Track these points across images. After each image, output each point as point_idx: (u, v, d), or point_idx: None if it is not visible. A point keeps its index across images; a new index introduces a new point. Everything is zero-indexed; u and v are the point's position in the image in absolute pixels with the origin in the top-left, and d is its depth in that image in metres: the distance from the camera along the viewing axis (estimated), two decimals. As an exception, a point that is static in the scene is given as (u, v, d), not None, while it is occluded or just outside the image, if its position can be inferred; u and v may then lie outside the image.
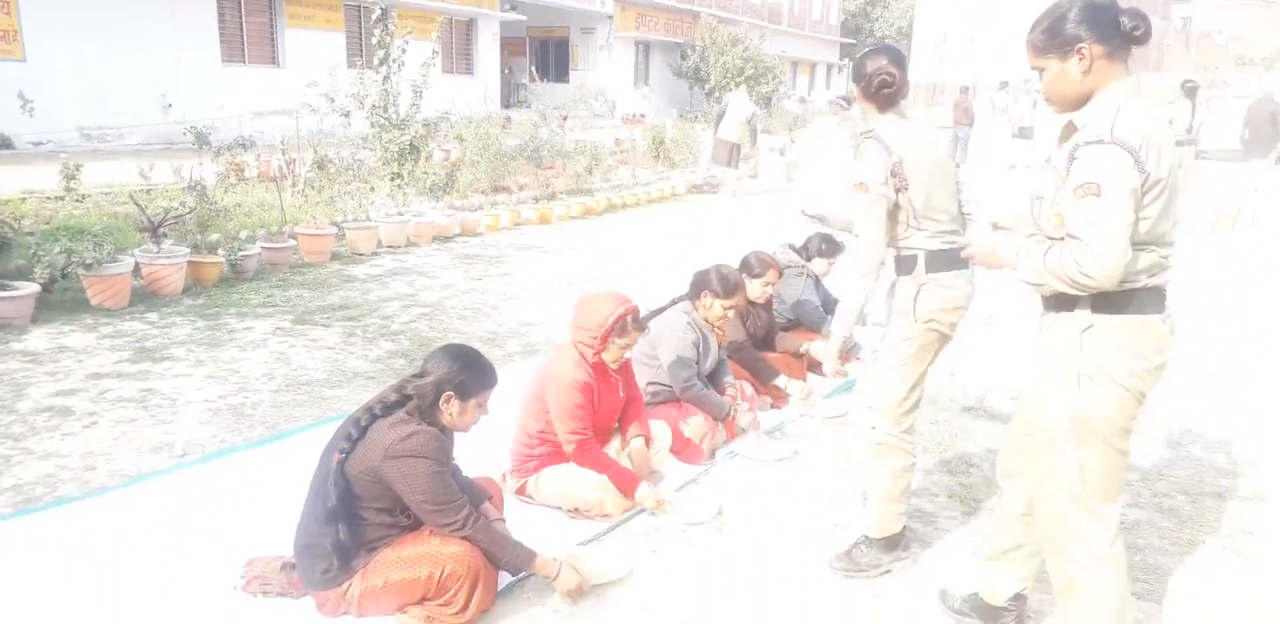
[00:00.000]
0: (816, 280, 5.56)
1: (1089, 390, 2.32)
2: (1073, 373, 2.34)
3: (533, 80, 15.65)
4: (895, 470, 3.14)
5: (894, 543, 3.21)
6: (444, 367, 2.80)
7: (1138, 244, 2.23)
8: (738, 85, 15.41)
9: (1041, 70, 2.39)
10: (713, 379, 4.41)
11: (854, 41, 50.29)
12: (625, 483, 3.53)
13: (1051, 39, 2.33)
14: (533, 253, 9.17)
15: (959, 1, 48.59)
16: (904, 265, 3.07)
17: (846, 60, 51.77)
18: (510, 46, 29.56)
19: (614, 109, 24.21)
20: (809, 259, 5.53)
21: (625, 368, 3.82)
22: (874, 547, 3.21)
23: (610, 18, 30.79)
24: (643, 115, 28.24)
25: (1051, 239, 2.33)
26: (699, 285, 4.34)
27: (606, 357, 3.63)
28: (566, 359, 3.61)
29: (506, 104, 25.83)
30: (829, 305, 5.60)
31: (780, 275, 4.97)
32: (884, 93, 3.07)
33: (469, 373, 2.82)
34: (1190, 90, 13.34)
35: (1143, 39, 2.29)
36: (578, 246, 9.65)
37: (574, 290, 7.44)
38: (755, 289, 4.80)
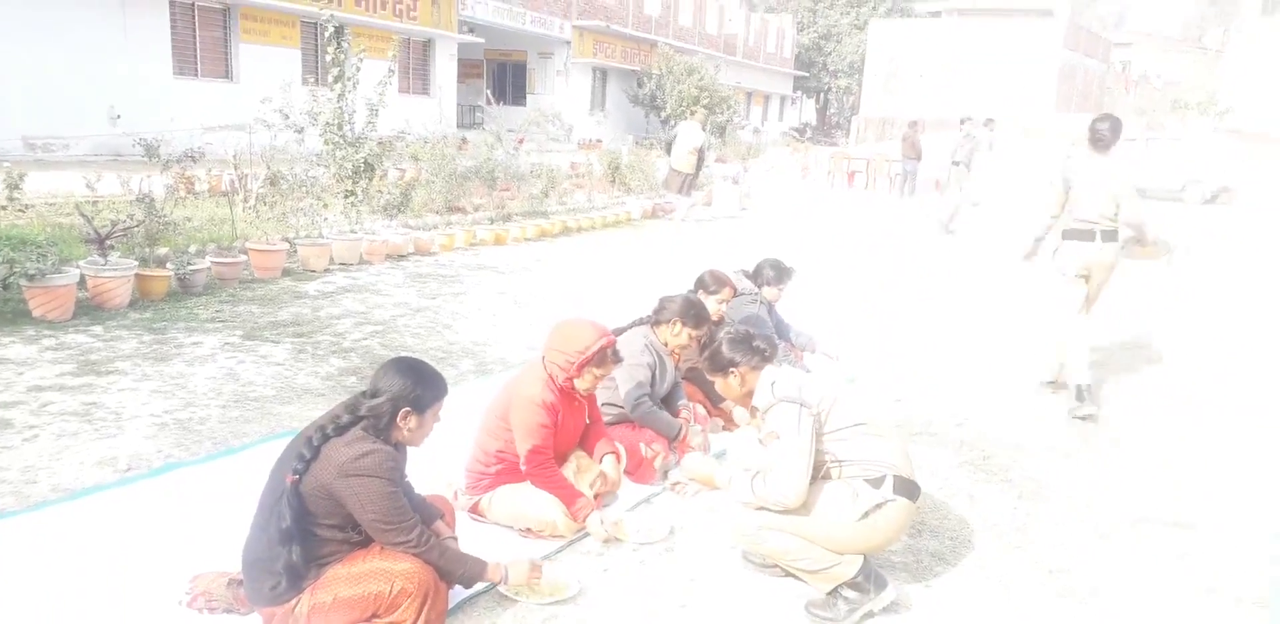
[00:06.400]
0: (770, 307, 5.63)
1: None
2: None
3: (489, 103, 15.68)
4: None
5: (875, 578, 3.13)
6: (397, 383, 2.78)
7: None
8: (692, 113, 15.56)
9: (714, 381, 3.39)
10: (667, 402, 4.45)
11: (807, 74, 51.23)
12: (578, 508, 3.53)
13: (714, 364, 3.34)
14: (487, 273, 9.16)
15: (909, 37, 49.91)
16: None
17: (799, 92, 52.72)
18: (468, 69, 29.63)
19: (570, 133, 24.36)
20: (759, 287, 5.58)
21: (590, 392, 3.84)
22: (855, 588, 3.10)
23: (568, 43, 31.05)
24: (599, 140, 28.44)
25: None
26: (670, 312, 4.36)
27: (579, 385, 3.64)
28: (534, 379, 3.61)
29: (463, 125, 25.86)
30: (782, 331, 5.67)
31: (735, 293, 5.03)
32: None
33: (423, 386, 2.82)
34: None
35: (771, 356, 3.31)
36: (532, 268, 9.67)
37: (527, 311, 7.46)
38: (710, 306, 4.84)
